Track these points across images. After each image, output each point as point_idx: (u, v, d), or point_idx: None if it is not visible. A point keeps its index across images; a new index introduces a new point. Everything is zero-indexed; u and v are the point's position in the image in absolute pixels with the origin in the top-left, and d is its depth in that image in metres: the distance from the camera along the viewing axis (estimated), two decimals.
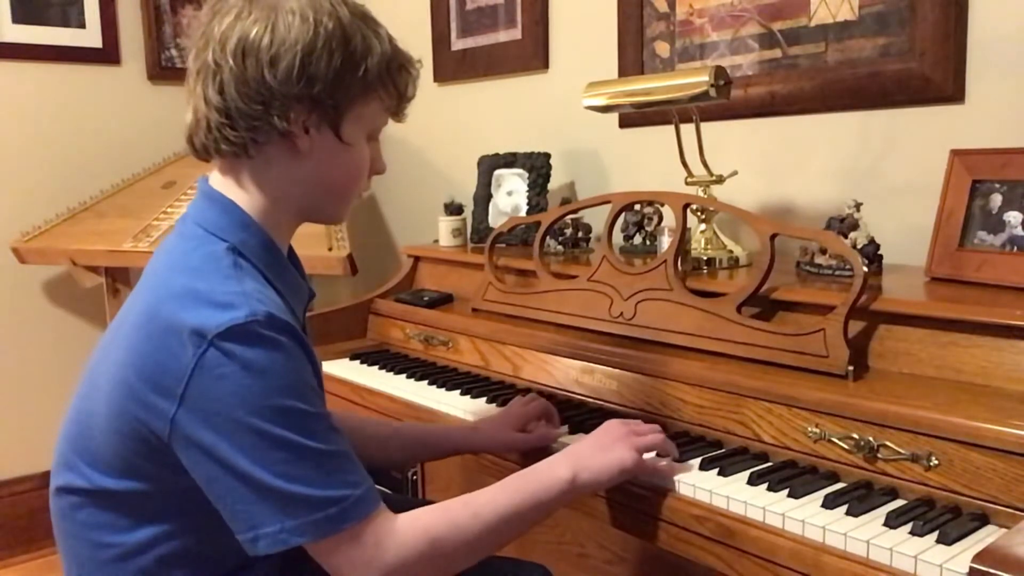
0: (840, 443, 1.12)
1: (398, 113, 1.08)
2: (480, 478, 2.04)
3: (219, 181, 1.04)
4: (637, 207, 1.85)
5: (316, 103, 0.98)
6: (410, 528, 0.95)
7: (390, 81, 1.03)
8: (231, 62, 0.96)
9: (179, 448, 0.92)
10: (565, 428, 1.35)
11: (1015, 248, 1.28)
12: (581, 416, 1.38)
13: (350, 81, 0.99)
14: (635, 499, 1.16)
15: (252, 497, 0.90)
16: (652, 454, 1.17)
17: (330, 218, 1.11)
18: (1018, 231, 1.28)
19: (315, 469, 0.91)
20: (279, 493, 0.89)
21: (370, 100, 1.03)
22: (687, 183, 1.67)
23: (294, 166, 1.02)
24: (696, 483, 1.11)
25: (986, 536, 0.94)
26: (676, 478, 1.13)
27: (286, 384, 0.91)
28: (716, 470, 1.14)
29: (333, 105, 0.99)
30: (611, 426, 1.16)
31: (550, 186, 2.09)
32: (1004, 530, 0.94)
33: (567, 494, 1.06)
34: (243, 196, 1.03)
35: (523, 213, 2.06)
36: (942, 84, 1.52)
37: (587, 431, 1.31)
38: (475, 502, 1.01)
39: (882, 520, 0.98)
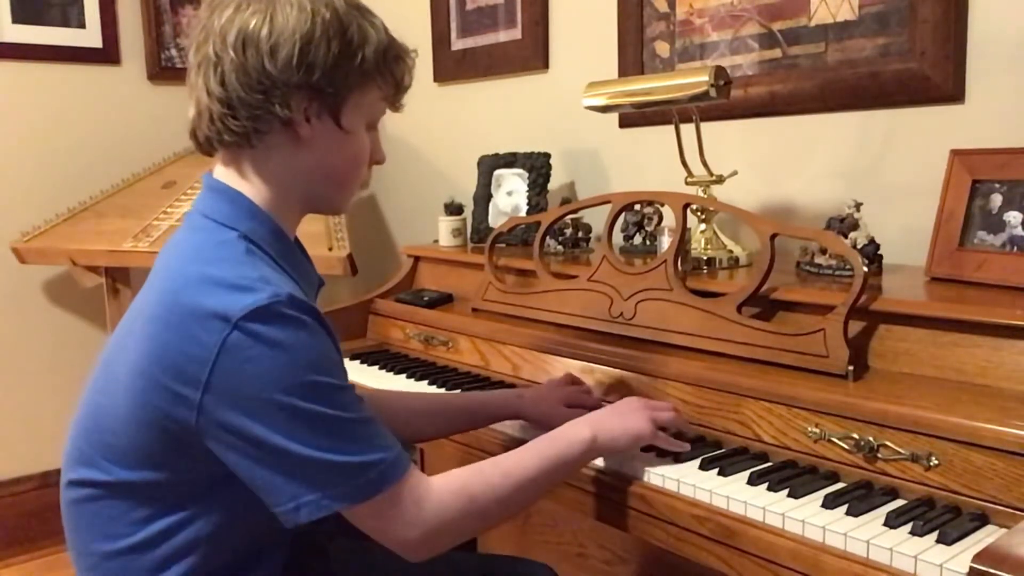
0: (840, 443, 1.12)
1: (395, 102, 1.11)
2: None
3: (223, 173, 1.06)
4: (637, 207, 1.85)
5: (316, 91, 1.01)
6: (446, 487, 0.99)
7: (387, 70, 1.06)
8: (232, 53, 0.98)
9: (207, 433, 0.93)
10: None
11: (1015, 248, 1.28)
12: None
13: (348, 69, 1.01)
14: (635, 499, 1.16)
15: (290, 471, 0.92)
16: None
17: (332, 207, 1.12)
18: (1018, 231, 1.28)
19: (349, 437, 0.93)
20: (318, 463, 0.91)
21: (368, 88, 1.05)
22: (687, 183, 1.67)
23: (296, 154, 1.04)
24: (696, 483, 1.11)
25: (986, 536, 0.94)
26: (676, 478, 1.13)
27: (312, 360, 0.93)
28: (716, 470, 1.14)
29: (333, 93, 1.01)
30: (629, 399, 1.22)
31: (550, 186, 2.09)
32: (1004, 530, 0.94)
33: (588, 454, 1.12)
34: (248, 186, 1.04)
35: (523, 213, 2.06)
36: (942, 84, 1.52)
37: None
38: (505, 462, 1.06)
39: (882, 520, 0.98)
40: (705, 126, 1.67)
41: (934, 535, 0.94)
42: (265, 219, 1.04)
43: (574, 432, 1.12)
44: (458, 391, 1.57)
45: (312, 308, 0.96)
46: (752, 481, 1.10)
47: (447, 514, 0.98)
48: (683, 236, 1.45)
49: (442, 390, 1.59)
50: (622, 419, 1.16)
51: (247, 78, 0.98)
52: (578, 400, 1.37)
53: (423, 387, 1.63)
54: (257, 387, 0.90)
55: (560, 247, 1.89)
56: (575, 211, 1.74)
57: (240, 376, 0.90)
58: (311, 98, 1.01)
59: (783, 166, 1.80)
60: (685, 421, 1.25)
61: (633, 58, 2.03)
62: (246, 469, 0.94)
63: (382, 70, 1.05)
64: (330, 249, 2.38)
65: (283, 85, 0.98)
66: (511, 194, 2.13)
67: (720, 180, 1.66)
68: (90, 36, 2.78)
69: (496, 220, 2.11)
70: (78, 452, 1.03)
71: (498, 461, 1.06)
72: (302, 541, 1.05)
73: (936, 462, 1.03)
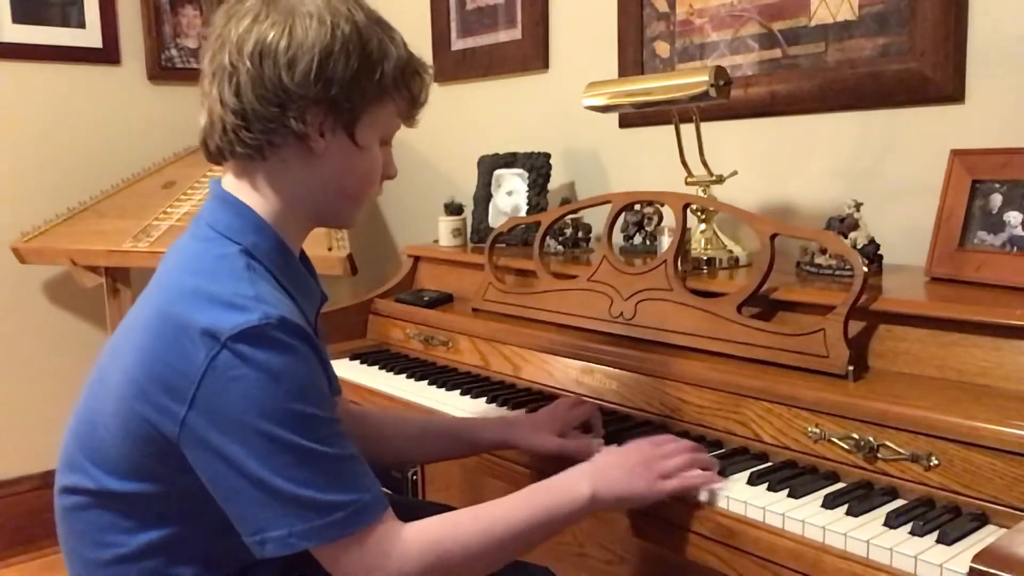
0: (840, 443, 1.12)
1: (410, 118, 1.09)
2: (481, 478, 2.04)
3: (232, 184, 1.04)
4: (637, 207, 1.85)
5: (333, 105, 0.99)
6: (417, 538, 0.95)
7: (404, 86, 1.04)
8: (248, 64, 0.96)
9: (188, 449, 0.92)
10: (601, 440, 1.29)
11: (1015, 248, 1.28)
12: None
13: (366, 84, 1.00)
14: None
15: (261, 500, 0.90)
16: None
17: (342, 222, 1.11)
18: (1018, 231, 1.28)
19: (324, 473, 0.91)
20: (288, 496, 0.89)
21: (385, 104, 1.03)
22: (687, 183, 1.67)
23: (308, 169, 1.02)
24: None
25: (986, 536, 0.94)
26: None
27: (298, 388, 0.91)
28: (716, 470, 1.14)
29: (349, 108, 1.00)
30: (640, 448, 1.11)
31: (550, 186, 2.09)
32: (1004, 530, 0.94)
33: (585, 511, 1.04)
34: (257, 199, 1.02)
35: (523, 213, 2.06)
36: (942, 84, 1.52)
37: (587, 431, 1.31)
38: (487, 515, 0.99)
39: (882, 520, 0.98)
40: (705, 126, 1.67)
41: (934, 535, 0.94)
42: (270, 234, 1.02)
43: (571, 487, 1.03)
44: (457, 392, 1.57)
45: (304, 333, 0.93)
46: (752, 481, 1.10)
47: (413, 568, 0.93)
48: (683, 236, 1.45)
49: (442, 391, 1.60)
50: (628, 478, 1.05)
51: (263, 90, 0.96)
52: (571, 429, 1.28)
53: (423, 387, 1.63)
54: (239, 409, 0.89)
55: (560, 247, 1.89)
56: (575, 211, 1.74)
57: (224, 396, 0.89)
58: (327, 113, 0.99)
59: (783, 166, 1.80)
60: (708, 458, 1.12)
61: (633, 58, 2.03)
62: (219, 492, 0.93)
63: (399, 86, 1.03)
64: (330, 249, 2.38)
65: (300, 99, 0.97)
66: (511, 194, 2.13)
67: (720, 180, 1.66)
68: (90, 36, 2.78)
69: (496, 220, 2.11)
70: (69, 458, 1.02)
71: (480, 513, 0.99)
72: (297, 555, 1.03)
73: (936, 462, 1.03)
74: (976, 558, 0.80)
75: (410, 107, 1.07)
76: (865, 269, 1.22)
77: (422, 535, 0.95)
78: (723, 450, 1.22)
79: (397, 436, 1.32)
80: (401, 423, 1.36)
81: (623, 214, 1.73)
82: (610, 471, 1.06)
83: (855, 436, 1.10)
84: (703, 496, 1.09)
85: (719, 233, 1.66)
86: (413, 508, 1.02)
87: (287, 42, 0.96)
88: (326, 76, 0.97)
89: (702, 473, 1.09)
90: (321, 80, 0.97)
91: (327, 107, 0.99)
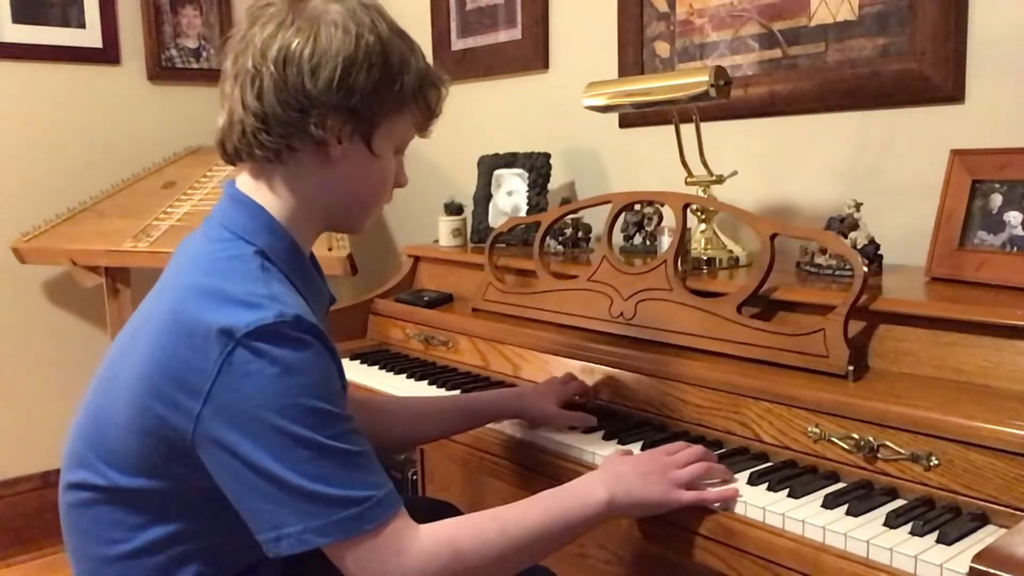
0: (840, 443, 1.12)
1: (425, 129, 1.11)
2: (481, 478, 2.05)
3: (248, 185, 1.05)
4: (637, 207, 1.85)
5: (352, 114, 1.00)
6: (433, 538, 0.95)
7: (422, 97, 1.06)
8: (272, 69, 0.97)
9: (201, 446, 0.92)
10: (594, 421, 1.34)
11: (1015, 248, 1.28)
12: None
13: (386, 95, 1.01)
14: None
15: (275, 496, 0.90)
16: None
17: (352, 227, 1.12)
18: (1018, 231, 1.28)
19: (338, 469, 0.91)
20: (302, 492, 0.89)
21: (403, 114, 1.05)
22: (687, 183, 1.67)
23: (324, 174, 1.03)
24: None
25: (986, 536, 0.94)
26: None
27: (312, 384, 0.91)
28: None
29: (368, 117, 1.01)
30: (653, 456, 1.12)
31: (550, 186, 2.09)
32: (1004, 530, 0.94)
33: (602, 516, 1.04)
34: (272, 201, 1.03)
35: (523, 213, 2.06)
36: (942, 84, 1.52)
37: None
38: (504, 517, 0.99)
39: (882, 520, 0.98)
40: (705, 126, 1.67)
41: (934, 535, 0.94)
42: (284, 235, 1.03)
43: (587, 491, 1.04)
44: (458, 391, 1.57)
45: (318, 331, 0.94)
46: (752, 481, 1.10)
47: (429, 567, 0.93)
48: (683, 236, 1.45)
49: (442, 390, 1.59)
50: (643, 484, 1.06)
51: (285, 95, 0.97)
52: (576, 401, 1.35)
53: (423, 387, 1.63)
54: (253, 405, 0.89)
55: (560, 247, 1.89)
56: (575, 211, 1.74)
57: (239, 392, 0.89)
58: (346, 120, 1.00)
59: (783, 166, 1.80)
60: (721, 468, 1.12)
61: (633, 58, 2.03)
62: (233, 489, 0.93)
63: (417, 97, 1.05)
64: (330, 249, 2.38)
65: (321, 106, 0.98)
66: (511, 194, 2.13)
67: (720, 180, 1.66)
68: (90, 36, 2.78)
69: (496, 220, 2.11)
70: (77, 454, 1.03)
71: (497, 515, 0.99)
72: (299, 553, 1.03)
73: (936, 462, 1.03)
74: (976, 558, 0.80)
75: (426, 118, 1.09)
76: (865, 269, 1.22)
77: (437, 534, 0.95)
78: (723, 450, 1.22)
79: (403, 416, 1.35)
80: (405, 403, 1.40)
81: (623, 214, 1.73)
82: (625, 476, 1.07)
83: (855, 436, 1.10)
84: (716, 504, 1.08)
85: (719, 233, 1.66)
86: (413, 506, 1.02)
87: (311, 49, 0.97)
88: (348, 85, 0.98)
89: (722, 489, 1.09)
90: (343, 88, 0.98)
91: (347, 115, 1.00)
